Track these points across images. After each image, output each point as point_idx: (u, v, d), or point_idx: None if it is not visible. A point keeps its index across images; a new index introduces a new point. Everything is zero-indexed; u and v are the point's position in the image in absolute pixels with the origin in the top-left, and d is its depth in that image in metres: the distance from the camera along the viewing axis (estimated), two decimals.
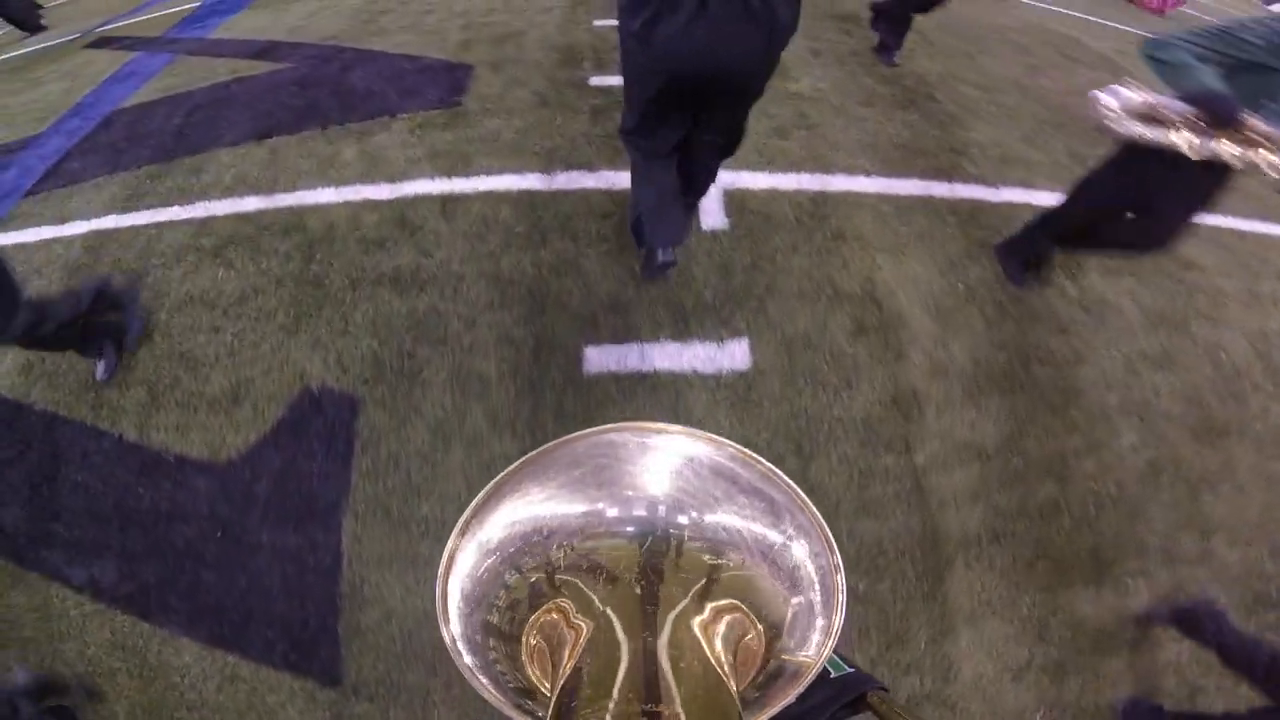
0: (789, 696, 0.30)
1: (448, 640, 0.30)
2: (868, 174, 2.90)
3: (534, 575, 0.31)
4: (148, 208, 2.87)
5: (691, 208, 2.33)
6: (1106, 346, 2.36)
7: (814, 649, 0.30)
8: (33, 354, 2.24)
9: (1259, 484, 2.11)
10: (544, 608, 0.30)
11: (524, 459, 0.32)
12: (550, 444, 0.32)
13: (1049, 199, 2.86)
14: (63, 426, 2.11)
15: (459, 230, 2.55)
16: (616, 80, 3.38)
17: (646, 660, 0.26)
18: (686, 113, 1.86)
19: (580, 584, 0.30)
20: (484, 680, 0.30)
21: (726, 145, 2.05)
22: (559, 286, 2.35)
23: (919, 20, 3.82)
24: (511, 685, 0.30)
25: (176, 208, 2.84)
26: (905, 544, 1.85)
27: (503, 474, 0.32)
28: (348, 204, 2.72)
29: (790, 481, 0.32)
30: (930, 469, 1.97)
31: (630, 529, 0.31)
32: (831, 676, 0.61)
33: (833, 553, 0.31)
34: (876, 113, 3.33)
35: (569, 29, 4.04)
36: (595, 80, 3.42)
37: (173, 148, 3.33)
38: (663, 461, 0.33)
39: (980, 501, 1.93)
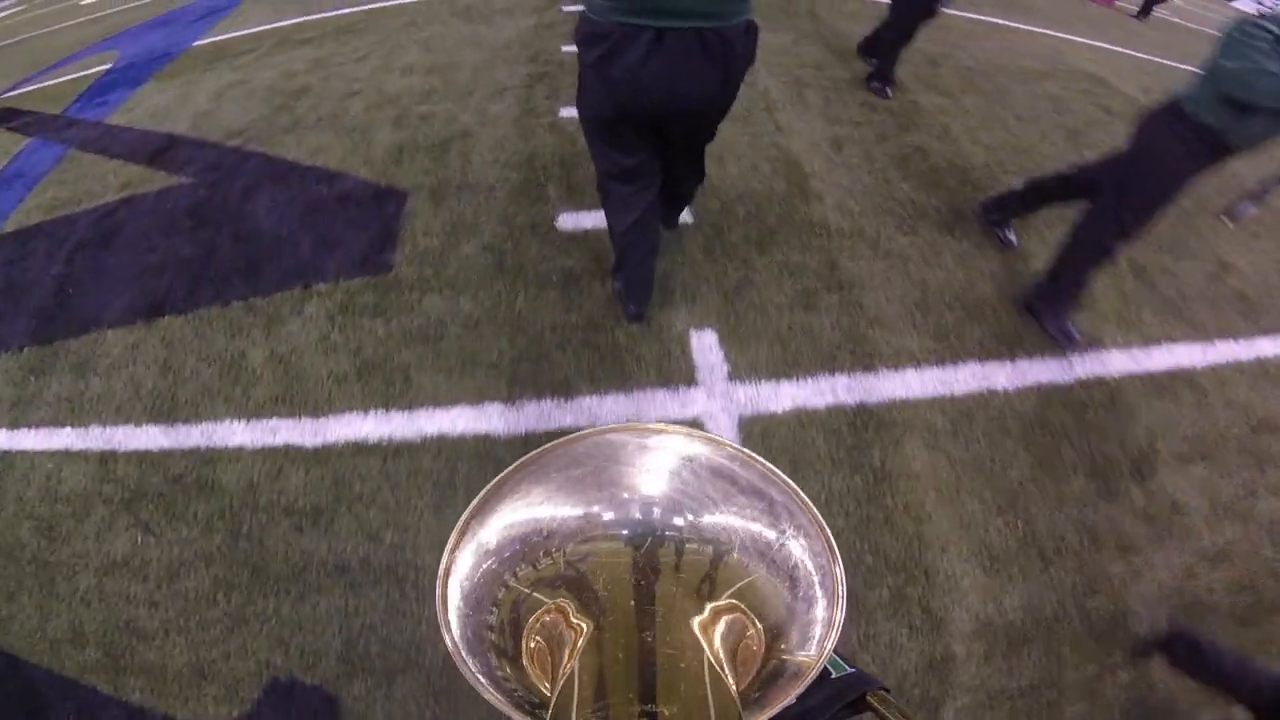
0: (789, 696, 0.29)
1: (448, 641, 0.29)
2: (918, 364, 2.28)
3: (533, 576, 0.30)
4: (39, 424, 2.33)
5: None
6: (1167, 557, 2.00)
7: (814, 649, 0.30)
8: None
9: None
10: (543, 608, 0.30)
11: (522, 460, 0.32)
12: (549, 445, 0.32)
13: (1122, 363, 2.44)
14: (29, 669, 1.82)
15: (407, 502, 1.95)
16: (591, 219, 2.76)
17: (646, 660, 0.25)
18: (643, 143, 1.85)
19: (580, 584, 0.29)
20: (484, 681, 0.29)
21: (685, 176, 2.10)
22: None
23: (946, 78, 3.13)
24: (511, 685, 0.29)
25: (69, 430, 2.28)
26: None
27: (502, 474, 0.31)
28: (266, 450, 2.10)
29: (790, 481, 0.31)
30: None
31: (630, 529, 0.30)
32: (832, 677, 0.58)
33: (833, 553, 0.30)
34: (921, 245, 2.68)
35: (528, 125, 3.29)
36: (565, 220, 2.72)
37: (55, 316, 2.72)
38: (661, 462, 0.32)
39: None
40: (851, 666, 0.60)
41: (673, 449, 0.32)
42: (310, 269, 2.63)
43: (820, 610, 0.30)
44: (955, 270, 2.59)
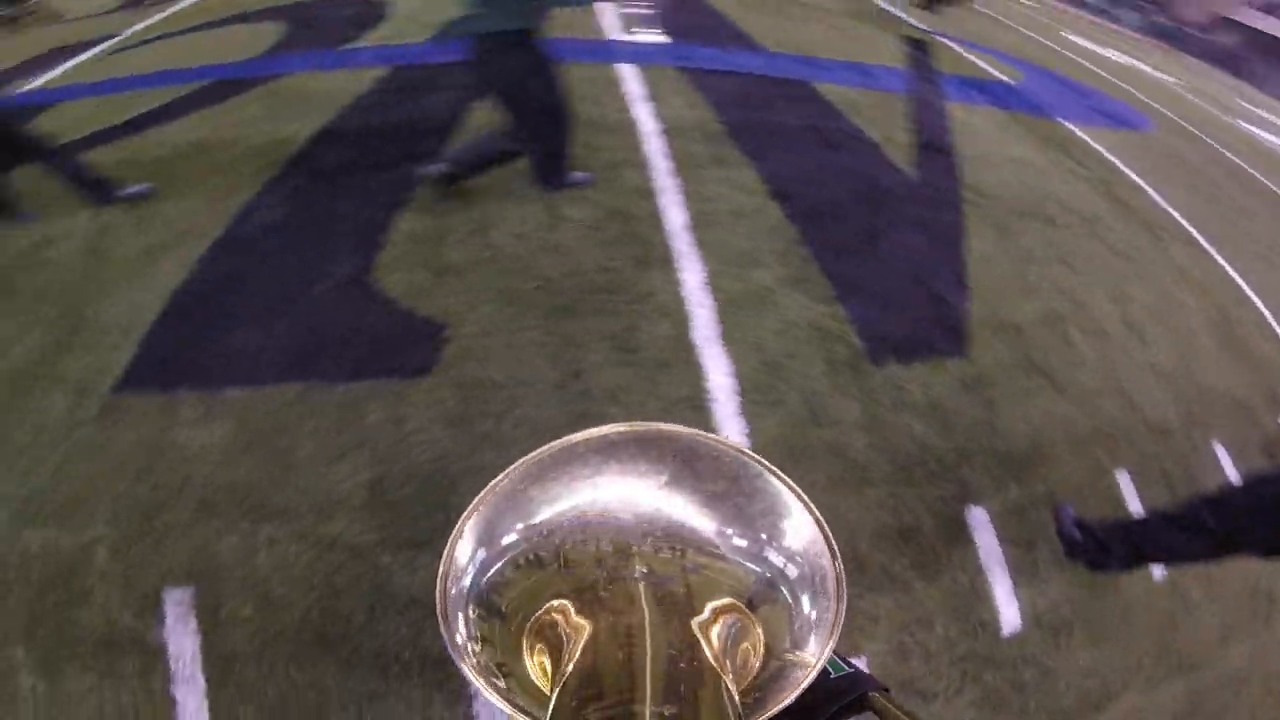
0: (789, 697, 0.29)
1: (446, 636, 0.28)
2: None
3: (534, 573, 0.29)
4: None
5: None
6: None
7: (814, 649, 0.29)
8: None
9: None
10: (544, 608, 0.29)
11: (528, 457, 0.31)
12: (549, 445, 0.31)
13: None
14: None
15: None
16: None
17: (646, 660, 0.25)
18: None
19: (580, 583, 0.29)
20: (481, 678, 0.28)
21: None
22: None
23: None
24: (510, 684, 0.29)
25: None
26: None
27: (510, 469, 0.30)
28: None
29: (791, 482, 0.30)
30: None
31: (631, 529, 0.30)
32: (832, 677, 0.55)
33: (833, 554, 0.30)
34: None
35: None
36: None
37: None
38: (666, 462, 0.31)
39: None
40: (851, 666, 0.56)
41: (673, 447, 0.31)
42: None
43: (820, 610, 0.29)
44: None
